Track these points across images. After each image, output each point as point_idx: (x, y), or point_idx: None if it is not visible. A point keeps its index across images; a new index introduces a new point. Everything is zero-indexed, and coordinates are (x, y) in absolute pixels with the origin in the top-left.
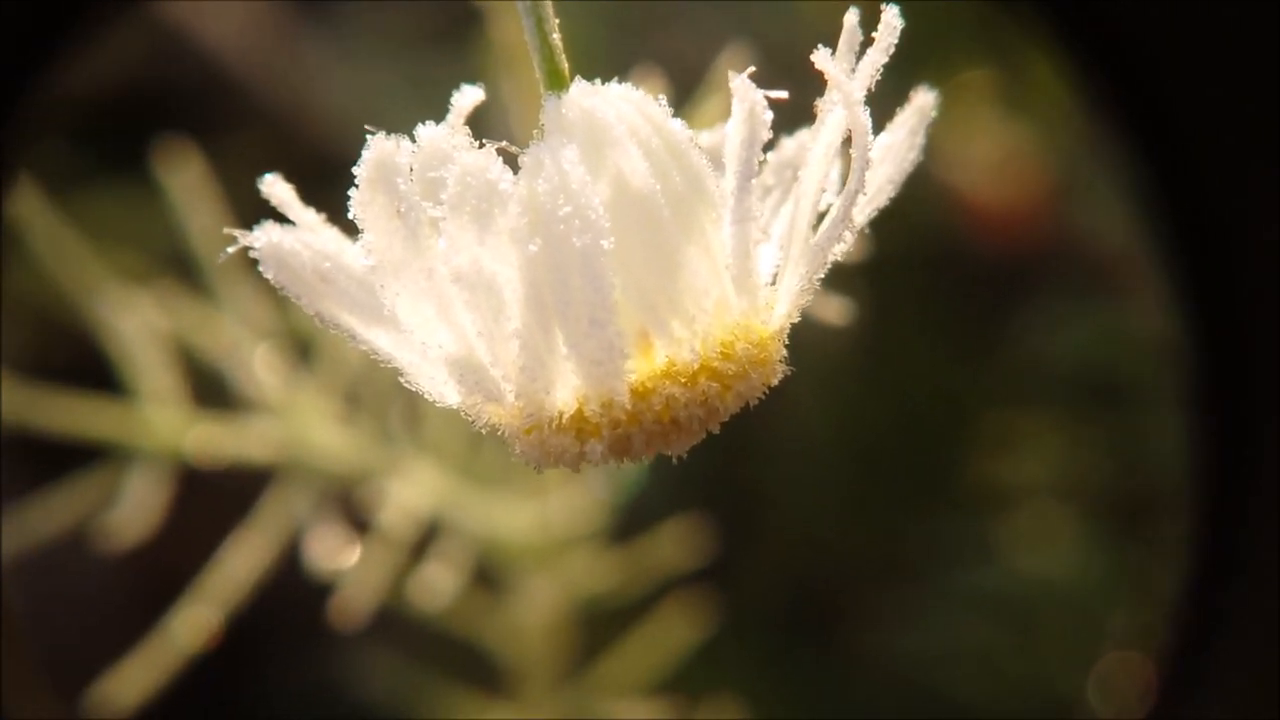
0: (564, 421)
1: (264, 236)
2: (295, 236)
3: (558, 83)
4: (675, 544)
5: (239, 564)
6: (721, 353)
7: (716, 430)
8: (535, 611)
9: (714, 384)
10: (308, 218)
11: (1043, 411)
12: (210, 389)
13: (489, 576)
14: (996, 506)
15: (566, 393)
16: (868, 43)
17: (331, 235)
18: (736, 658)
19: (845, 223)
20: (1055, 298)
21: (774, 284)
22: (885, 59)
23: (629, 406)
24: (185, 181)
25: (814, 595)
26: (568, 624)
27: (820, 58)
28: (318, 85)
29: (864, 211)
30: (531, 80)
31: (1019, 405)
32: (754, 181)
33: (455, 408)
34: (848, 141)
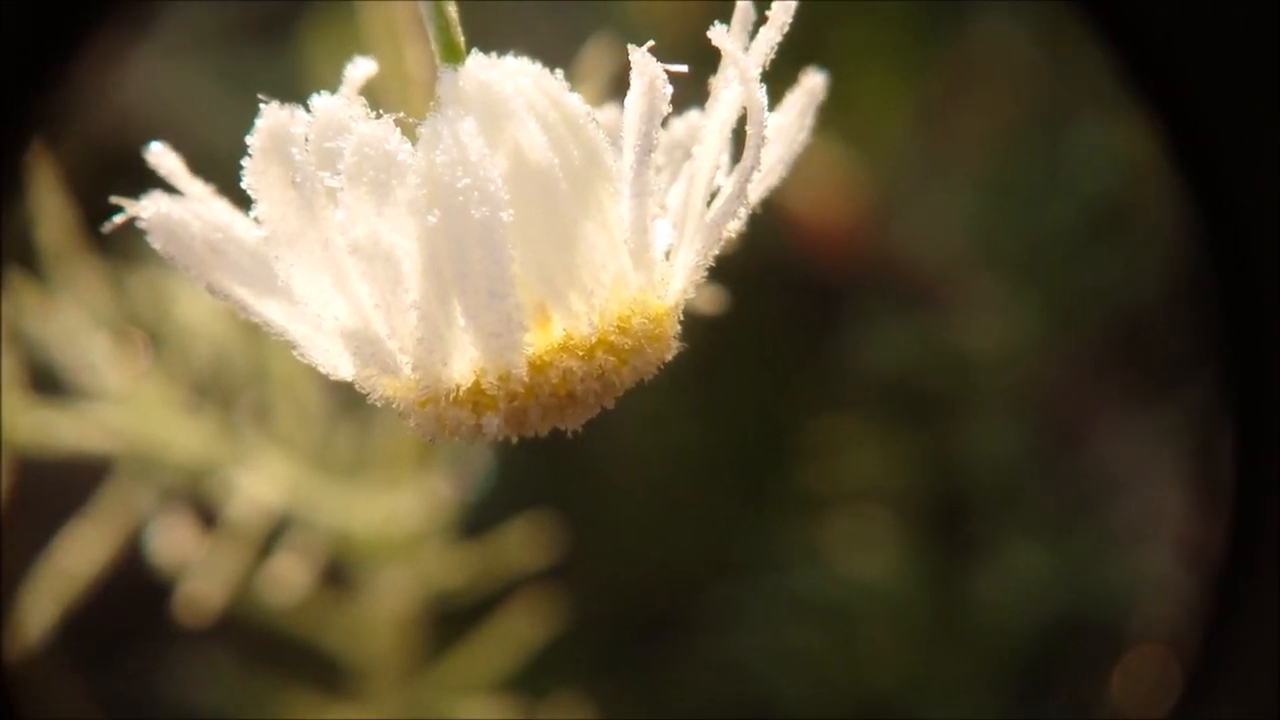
0: (461, 394)
1: (152, 207)
2: (184, 207)
3: (454, 55)
4: (522, 542)
5: (77, 558)
6: (618, 327)
7: (611, 405)
8: (383, 607)
9: (610, 358)
10: (196, 189)
11: (863, 420)
12: (48, 378)
13: (337, 572)
14: (819, 512)
15: (464, 365)
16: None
17: (222, 206)
18: (576, 658)
19: (740, 199)
20: (875, 311)
21: (669, 260)
22: (780, 37)
23: (526, 379)
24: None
25: (647, 598)
26: (415, 620)
27: (716, 34)
28: (121, 80)
29: (758, 189)
30: (397, 66)
31: (840, 414)
32: (652, 156)
33: (350, 380)
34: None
